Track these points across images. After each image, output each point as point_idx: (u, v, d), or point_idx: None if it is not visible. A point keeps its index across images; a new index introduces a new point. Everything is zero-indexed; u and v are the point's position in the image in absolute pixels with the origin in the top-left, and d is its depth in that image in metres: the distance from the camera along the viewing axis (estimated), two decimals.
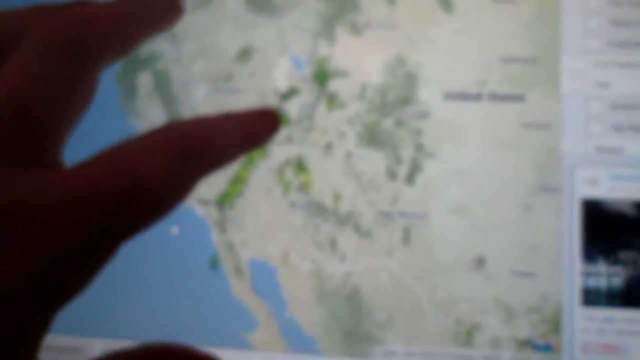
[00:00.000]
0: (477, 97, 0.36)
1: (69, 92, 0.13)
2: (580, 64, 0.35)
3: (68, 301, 0.12)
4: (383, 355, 0.36)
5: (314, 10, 0.37)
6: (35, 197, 0.11)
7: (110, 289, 0.37)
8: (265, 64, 0.37)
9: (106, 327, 0.37)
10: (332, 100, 0.37)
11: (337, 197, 0.36)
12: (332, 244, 0.36)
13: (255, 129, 0.15)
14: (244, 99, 0.37)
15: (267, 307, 0.37)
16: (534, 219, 0.35)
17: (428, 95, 0.36)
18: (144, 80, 0.38)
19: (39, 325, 0.11)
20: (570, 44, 0.35)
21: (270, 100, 0.37)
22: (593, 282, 0.34)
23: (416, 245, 0.36)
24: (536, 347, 0.35)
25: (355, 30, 0.37)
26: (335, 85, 0.37)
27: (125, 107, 0.38)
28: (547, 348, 0.35)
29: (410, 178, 0.36)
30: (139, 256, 0.37)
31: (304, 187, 0.37)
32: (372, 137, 0.36)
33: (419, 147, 0.36)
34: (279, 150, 0.37)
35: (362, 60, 0.37)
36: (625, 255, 0.34)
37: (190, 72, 0.38)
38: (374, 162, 0.36)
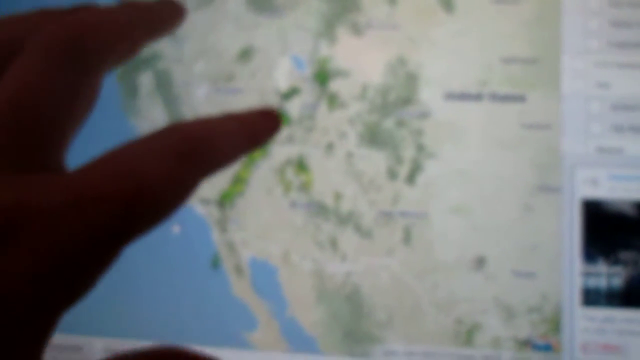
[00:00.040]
0: (477, 98, 0.36)
1: (72, 97, 0.13)
2: (580, 64, 0.35)
3: (73, 304, 0.12)
4: (383, 354, 0.36)
5: (315, 10, 0.37)
6: (40, 201, 0.11)
7: (111, 287, 0.37)
8: (267, 63, 0.37)
9: (107, 326, 0.37)
10: (333, 100, 0.37)
11: (338, 196, 0.36)
12: (333, 243, 0.36)
13: (256, 129, 0.15)
14: (245, 99, 0.37)
15: (268, 307, 0.37)
16: (534, 219, 0.35)
17: (429, 95, 0.36)
18: (145, 80, 0.38)
19: (44, 327, 0.11)
20: (570, 44, 0.35)
21: (271, 100, 0.37)
22: (593, 282, 0.34)
23: (417, 245, 0.36)
24: (536, 347, 0.35)
25: (356, 30, 0.37)
26: (336, 85, 0.37)
27: (127, 107, 0.38)
28: (547, 348, 0.35)
29: (411, 178, 0.36)
30: (139, 255, 0.37)
31: (304, 187, 0.37)
32: (373, 137, 0.36)
33: (420, 147, 0.36)
34: (280, 150, 0.37)
35: (363, 60, 0.37)
36: (625, 255, 0.34)
37: (191, 72, 0.38)
38: (374, 162, 0.36)
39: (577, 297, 0.34)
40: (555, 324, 0.35)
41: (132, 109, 0.38)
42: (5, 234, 0.11)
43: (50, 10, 0.15)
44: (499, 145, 0.35)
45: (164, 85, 0.38)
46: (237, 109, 0.15)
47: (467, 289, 0.35)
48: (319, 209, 0.36)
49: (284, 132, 0.37)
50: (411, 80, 0.36)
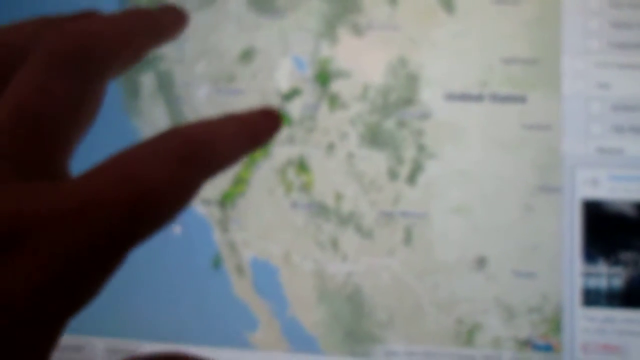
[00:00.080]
0: (478, 98, 0.36)
1: (77, 105, 0.13)
2: (580, 65, 0.35)
3: (79, 310, 0.12)
4: (384, 354, 0.36)
5: (316, 11, 0.37)
6: (44, 208, 0.11)
7: (112, 288, 0.37)
8: (268, 64, 0.37)
9: (108, 326, 0.37)
10: (334, 101, 0.37)
11: (338, 197, 0.36)
12: (334, 243, 0.36)
13: (257, 129, 0.15)
14: (246, 99, 0.37)
15: (269, 307, 0.37)
16: (534, 219, 0.35)
17: (429, 96, 0.36)
18: (147, 81, 0.38)
19: (50, 335, 0.11)
20: (571, 45, 0.35)
21: (272, 101, 0.37)
22: (593, 283, 0.34)
23: (417, 245, 0.36)
24: (537, 347, 0.35)
25: (357, 31, 0.37)
26: (337, 85, 0.37)
27: (128, 108, 0.38)
28: (548, 348, 0.35)
29: (412, 178, 0.36)
30: (141, 255, 0.37)
31: (305, 187, 0.37)
32: (374, 138, 0.36)
33: (421, 148, 0.36)
34: (281, 150, 0.37)
35: (364, 61, 0.37)
36: (625, 255, 0.34)
37: (192, 73, 0.38)
38: (375, 162, 0.36)
39: (577, 297, 0.35)
40: (555, 324, 0.35)
41: (133, 109, 0.38)
42: (11, 242, 0.11)
43: (53, 18, 0.15)
44: (500, 146, 0.36)
45: (166, 86, 0.38)
46: (238, 110, 0.16)
47: (468, 289, 0.35)
48: (319, 209, 0.36)
49: (284, 133, 0.37)
50: (412, 80, 0.36)
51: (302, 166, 0.37)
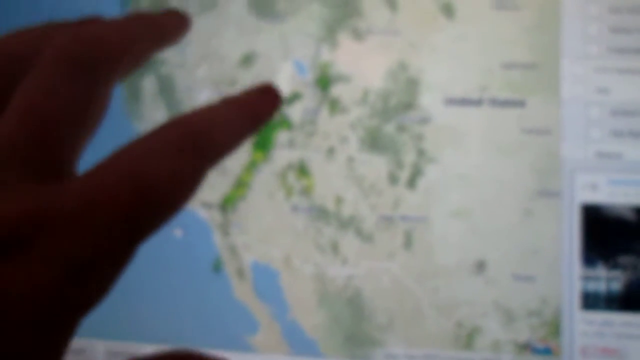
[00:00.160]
0: (477, 103, 0.36)
1: (84, 108, 0.14)
2: (580, 69, 0.35)
3: (91, 308, 0.12)
4: (384, 357, 0.36)
5: (316, 16, 0.37)
6: (56, 207, 0.12)
7: (113, 291, 0.37)
8: (268, 68, 0.37)
9: (109, 329, 0.38)
10: (335, 105, 0.37)
11: (339, 201, 0.37)
12: (334, 247, 0.36)
13: (256, 110, 0.15)
14: None
15: (269, 310, 0.37)
16: (534, 223, 0.35)
17: (429, 100, 0.36)
18: (148, 85, 0.38)
19: (64, 333, 0.12)
20: (570, 50, 0.35)
21: None
22: (592, 286, 0.35)
23: (417, 249, 0.36)
24: (536, 351, 0.35)
25: (358, 35, 0.37)
26: (337, 90, 0.37)
27: (130, 111, 0.39)
28: (547, 351, 0.35)
29: (412, 182, 0.36)
30: (142, 259, 0.37)
31: (306, 191, 0.37)
32: (374, 142, 0.36)
33: (420, 152, 0.36)
34: (281, 154, 0.37)
35: (364, 66, 0.37)
36: (624, 259, 0.34)
37: (194, 77, 0.38)
38: (375, 166, 0.36)
39: (576, 301, 0.35)
40: (554, 327, 0.35)
41: (135, 113, 0.38)
42: (26, 241, 0.11)
43: (59, 24, 0.15)
44: (499, 150, 0.36)
45: (167, 90, 0.38)
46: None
47: (468, 293, 0.36)
48: (320, 213, 0.37)
49: (285, 137, 0.37)
50: (412, 85, 0.36)
51: (302, 170, 0.37)
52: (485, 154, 0.36)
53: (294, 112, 0.37)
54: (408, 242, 0.36)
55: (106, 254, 0.12)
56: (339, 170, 0.37)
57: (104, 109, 0.14)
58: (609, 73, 0.35)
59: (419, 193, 0.36)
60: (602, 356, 0.34)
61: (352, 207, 0.36)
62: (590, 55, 0.35)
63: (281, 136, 0.37)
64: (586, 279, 0.35)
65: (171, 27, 0.17)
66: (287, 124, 0.37)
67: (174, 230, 0.38)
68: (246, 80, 0.38)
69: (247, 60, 0.38)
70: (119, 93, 0.39)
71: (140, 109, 0.38)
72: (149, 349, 0.37)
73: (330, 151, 0.37)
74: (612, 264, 0.34)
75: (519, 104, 0.36)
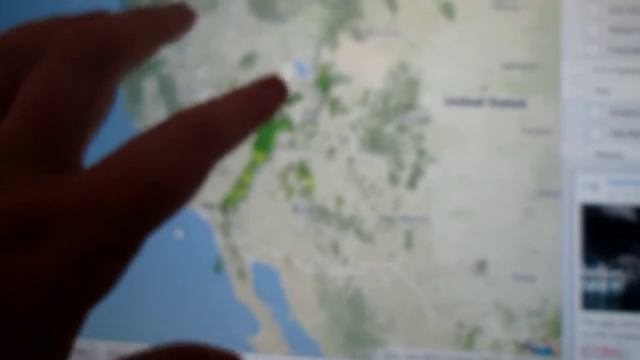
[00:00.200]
0: (478, 103, 0.36)
1: (90, 102, 0.14)
2: (580, 70, 0.35)
3: (99, 300, 0.12)
4: (385, 357, 0.36)
5: (317, 16, 0.38)
6: (62, 200, 0.12)
7: (115, 291, 0.37)
8: (269, 69, 0.38)
9: (111, 330, 0.38)
10: (335, 106, 0.37)
11: (339, 201, 0.37)
12: (335, 247, 0.37)
13: (262, 103, 0.15)
14: None
15: (270, 310, 0.37)
16: (534, 223, 0.35)
17: (430, 100, 0.36)
18: (149, 85, 0.39)
19: (72, 324, 0.12)
20: (570, 50, 0.35)
21: None
22: (593, 286, 0.35)
23: (418, 249, 0.36)
24: (536, 351, 0.35)
25: (358, 36, 0.37)
26: (338, 90, 0.37)
27: (131, 112, 0.39)
28: (547, 351, 0.35)
29: (412, 183, 0.36)
30: (143, 259, 0.37)
31: (306, 192, 0.37)
32: (375, 142, 0.37)
33: (421, 152, 0.36)
34: (282, 155, 0.37)
35: (364, 66, 0.37)
36: (624, 259, 0.35)
37: (194, 78, 0.38)
38: (376, 167, 0.36)
39: (577, 300, 0.35)
40: (555, 327, 0.35)
41: (136, 113, 0.39)
42: (31, 232, 0.11)
43: (64, 18, 0.15)
44: (500, 150, 0.36)
45: (168, 91, 0.38)
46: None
47: (468, 293, 0.36)
48: (320, 214, 0.37)
49: (286, 137, 0.37)
50: (412, 85, 0.37)
51: (303, 171, 0.37)
52: (485, 154, 0.36)
53: (294, 112, 0.37)
54: (408, 242, 0.36)
55: (112, 247, 0.12)
56: (339, 171, 0.37)
57: (110, 103, 0.14)
58: (609, 73, 0.35)
59: (420, 193, 0.36)
60: (603, 356, 0.34)
61: (352, 208, 0.37)
62: (590, 55, 0.35)
63: (282, 137, 0.37)
64: (586, 279, 0.35)
65: (177, 21, 0.17)
66: (287, 124, 0.37)
67: (175, 231, 0.38)
68: (246, 81, 0.37)
69: (248, 60, 0.38)
70: (119, 94, 0.39)
71: (141, 109, 0.39)
72: None
73: (331, 151, 0.37)
74: (613, 264, 0.35)
75: (519, 104, 0.36)
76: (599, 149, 0.35)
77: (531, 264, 0.35)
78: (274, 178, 0.37)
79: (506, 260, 0.35)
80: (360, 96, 0.37)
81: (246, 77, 0.38)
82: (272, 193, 0.37)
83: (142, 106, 0.39)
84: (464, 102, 0.36)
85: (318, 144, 0.37)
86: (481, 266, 0.36)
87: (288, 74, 0.37)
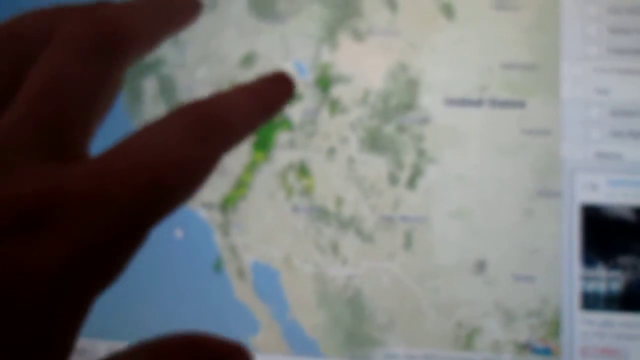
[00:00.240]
0: (477, 103, 0.36)
1: (98, 88, 0.14)
2: (579, 70, 0.35)
3: (105, 287, 0.12)
4: (384, 357, 0.36)
5: (316, 16, 0.38)
6: (68, 189, 0.12)
7: (114, 291, 0.37)
8: (269, 69, 0.38)
9: (110, 329, 0.38)
10: (335, 106, 0.37)
11: (339, 201, 0.37)
12: (334, 247, 0.37)
13: (270, 98, 0.15)
14: None
15: (270, 310, 0.37)
16: (534, 223, 0.35)
17: (429, 101, 0.36)
18: (149, 85, 0.39)
19: (79, 311, 0.12)
20: (570, 50, 0.36)
21: None
22: (592, 286, 0.35)
23: (417, 249, 0.36)
24: (536, 351, 0.35)
25: (358, 36, 0.37)
26: (337, 90, 0.37)
27: (131, 112, 0.39)
28: (547, 351, 0.35)
29: (412, 183, 0.36)
30: (143, 259, 0.37)
31: (306, 191, 0.37)
32: (374, 142, 0.37)
33: (421, 152, 0.36)
34: (281, 154, 0.37)
35: (364, 66, 0.37)
36: (624, 259, 0.35)
37: (194, 77, 0.38)
38: (375, 167, 0.37)
39: (576, 301, 0.35)
40: (554, 327, 0.35)
41: (136, 113, 0.39)
42: (37, 221, 0.11)
43: (71, 7, 0.15)
44: (499, 151, 0.36)
45: (168, 90, 0.38)
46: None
47: (468, 293, 0.36)
48: (320, 214, 0.37)
49: (285, 137, 0.37)
50: (412, 85, 0.37)
51: (302, 170, 0.37)
52: (485, 154, 0.36)
53: (294, 112, 0.37)
54: (408, 242, 0.36)
55: (117, 238, 0.12)
56: (339, 171, 0.37)
57: (116, 91, 0.14)
58: (608, 73, 0.35)
59: (419, 193, 0.36)
60: (602, 356, 0.34)
61: (352, 208, 0.37)
62: (590, 55, 0.35)
63: (281, 136, 0.37)
64: (586, 279, 0.35)
65: (183, 11, 0.17)
66: (287, 124, 0.37)
67: (174, 231, 0.38)
68: (246, 80, 0.38)
69: (248, 60, 0.38)
70: (120, 94, 0.39)
71: (141, 109, 0.39)
72: None
73: (331, 151, 0.37)
74: (612, 264, 0.35)
75: (519, 104, 0.36)
76: (599, 149, 0.35)
77: (531, 264, 0.35)
78: (274, 178, 0.37)
79: (506, 260, 0.35)
80: (360, 96, 0.37)
81: (246, 77, 0.38)
82: (272, 193, 0.37)
83: (142, 106, 0.39)
84: (463, 102, 0.36)
85: (318, 144, 0.37)
86: (481, 266, 0.36)
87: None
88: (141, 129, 0.13)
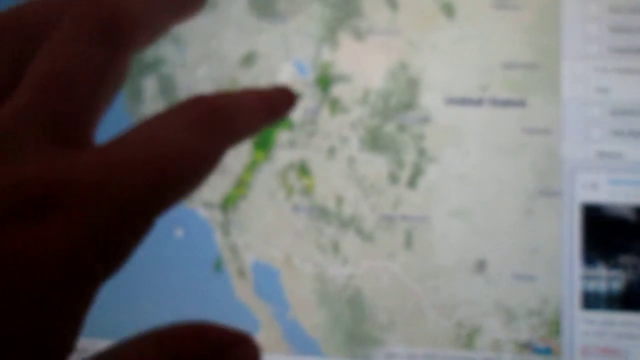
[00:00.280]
0: (478, 102, 0.36)
1: (105, 74, 0.14)
2: (580, 69, 0.35)
3: (110, 274, 0.12)
4: (385, 357, 0.36)
5: (317, 16, 0.38)
6: (77, 175, 0.12)
7: (115, 290, 0.37)
8: (269, 68, 0.38)
9: (111, 328, 0.38)
10: (335, 105, 0.37)
11: (339, 200, 0.37)
12: (335, 247, 0.37)
13: (275, 103, 0.16)
14: None
15: (270, 309, 0.37)
16: (534, 222, 0.35)
17: (430, 100, 0.36)
18: (150, 85, 0.39)
19: (84, 298, 0.12)
20: (570, 49, 0.36)
21: None
22: (593, 286, 0.35)
23: (418, 249, 0.36)
24: (536, 350, 0.35)
25: (358, 35, 0.37)
26: (338, 90, 0.37)
27: (131, 111, 0.39)
28: (547, 351, 0.35)
29: (412, 182, 0.36)
30: (143, 258, 0.37)
31: (307, 191, 0.37)
32: (375, 142, 0.37)
33: (421, 152, 0.36)
34: (282, 154, 0.37)
35: (364, 66, 0.37)
36: (624, 259, 0.35)
37: (194, 77, 0.38)
38: (376, 166, 0.37)
39: (577, 300, 0.35)
40: (555, 327, 0.35)
41: (136, 113, 0.39)
42: (46, 205, 0.11)
43: None
44: (500, 150, 0.36)
45: (168, 90, 0.38)
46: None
47: (468, 292, 0.36)
48: (320, 213, 0.37)
49: (286, 137, 0.37)
50: (412, 85, 0.37)
51: (303, 170, 0.37)
52: (485, 154, 0.36)
53: (294, 112, 0.37)
54: (408, 242, 0.36)
55: (124, 224, 0.12)
56: (339, 170, 0.37)
57: (123, 76, 0.14)
58: (609, 73, 0.35)
59: (420, 193, 0.36)
60: (603, 356, 0.34)
61: (352, 207, 0.37)
62: (590, 55, 0.35)
63: (282, 136, 0.37)
64: (586, 278, 0.35)
65: None
66: (287, 123, 0.37)
67: (174, 230, 0.38)
68: (247, 80, 0.38)
69: (248, 60, 0.38)
70: (120, 92, 0.39)
71: (141, 109, 0.39)
72: None
73: (331, 151, 0.37)
74: (613, 264, 0.35)
75: (520, 103, 0.36)
76: (599, 149, 0.35)
77: (531, 264, 0.35)
78: (274, 177, 0.37)
79: (506, 259, 0.35)
80: (360, 95, 0.37)
81: (246, 76, 0.38)
82: (272, 192, 0.37)
83: (142, 106, 0.39)
84: (464, 101, 0.36)
85: (318, 143, 0.37)
86: (481, 266, 0.36)
87: (288, 73, 0.37)
88: (149, 118, 0.13)
